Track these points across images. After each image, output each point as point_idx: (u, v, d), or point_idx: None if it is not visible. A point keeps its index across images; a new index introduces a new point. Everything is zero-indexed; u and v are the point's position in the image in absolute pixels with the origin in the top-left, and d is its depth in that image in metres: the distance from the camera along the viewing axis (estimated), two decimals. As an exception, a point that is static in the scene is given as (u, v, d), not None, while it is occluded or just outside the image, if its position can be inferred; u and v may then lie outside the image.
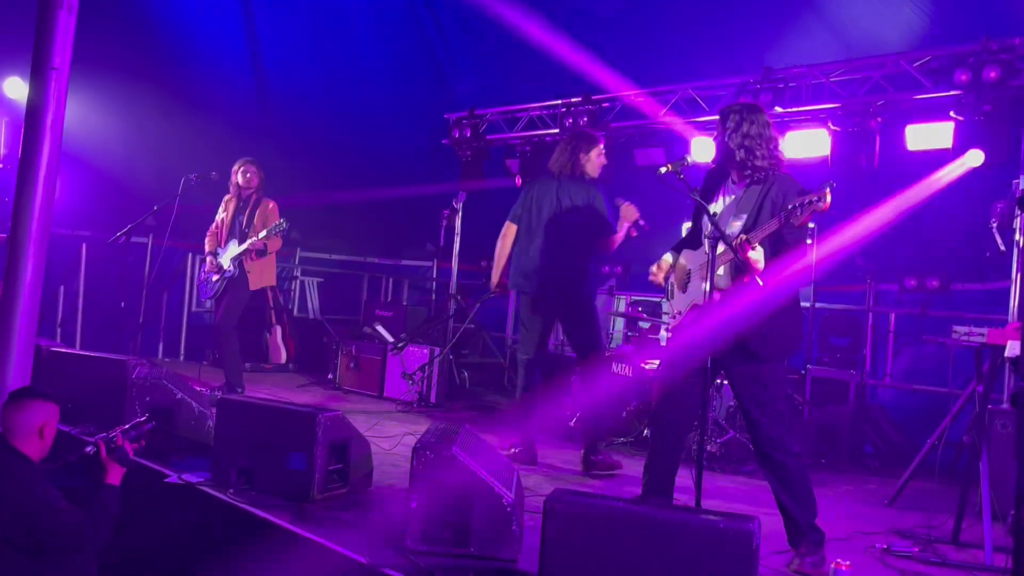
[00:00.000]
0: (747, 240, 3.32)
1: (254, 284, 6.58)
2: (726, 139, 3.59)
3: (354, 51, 10.38)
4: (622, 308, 8.66)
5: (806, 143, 6.95)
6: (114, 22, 8.36)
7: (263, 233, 6.40)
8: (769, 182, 3.53)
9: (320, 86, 10.28)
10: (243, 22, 9.94)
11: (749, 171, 3.56)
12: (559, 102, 8.57)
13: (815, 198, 3.17)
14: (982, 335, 3.85)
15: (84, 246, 8.89)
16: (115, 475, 3.33)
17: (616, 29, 8.74)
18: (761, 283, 3.34)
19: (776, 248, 3.41)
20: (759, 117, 3.57)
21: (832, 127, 6.82)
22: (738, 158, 3.55)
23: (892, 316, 7.28)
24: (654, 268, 3.89)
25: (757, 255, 3.33)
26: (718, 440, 5.56)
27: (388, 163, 10.53)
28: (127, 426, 3.49)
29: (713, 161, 3.81)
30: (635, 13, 8.51)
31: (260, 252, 6.49)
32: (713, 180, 3.78)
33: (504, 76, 9.97)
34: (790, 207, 3.24)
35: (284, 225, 6.42)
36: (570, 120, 8.34)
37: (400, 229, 11.60)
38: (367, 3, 10.22)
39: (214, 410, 4.45)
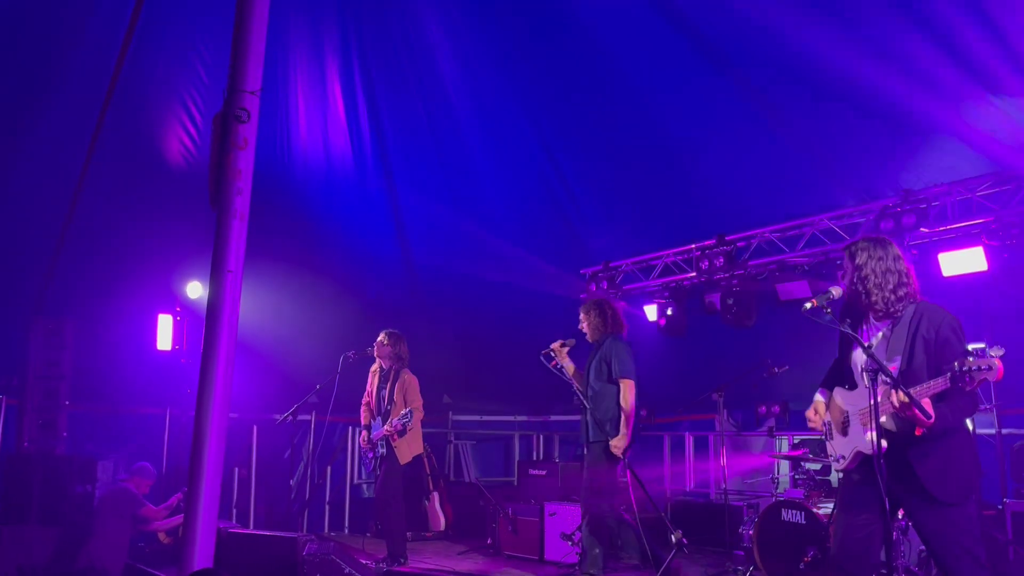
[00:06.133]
0: (907, 402, 3.07)
1: (403, 459, 6.73)
2: (854, 280, 3.43)
3: (488, 216, 10.89)
4: (785, 449, 8.22)
5: (962, 261, 6.65)
6: (274, 218, 9.22)
7: (399, 417, 6.54)
8: (916, 316, 3.33)
9: (459, 256, 10.80)
10: (388, 203, 10.70)
11: (883, 308, 3.39)
12: (693, 246, 8.61)
13: (984, 367, 2.93)
14: None
15: (255, 428, 9.44)
16: None
17: (748, 165, 8.79)
18: (930, 420, 3.09)
19: (943, 394, 3.14)
20: (888, 251, 3.40)
21: (987, 241, 6.51)
22: (874, 299, 3.39)
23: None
24: (811, 413, 3.72)
25: (924, 407, 3.07)
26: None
27: (529, 321, 10.76)
28: None
29: (842, 299, 3.56)
30: (766, 149, 8.56)
31: (400, 433, 6.65)
32: (850, 314, 3.56)
33: (634, 225, 10.16)
34: (959, 370, 2.98)
35: (409, 417, 6.51)
36: (706, 263, 8.34)
37: (546, 385, 11.67)
38: (498, 169, 10.79)
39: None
